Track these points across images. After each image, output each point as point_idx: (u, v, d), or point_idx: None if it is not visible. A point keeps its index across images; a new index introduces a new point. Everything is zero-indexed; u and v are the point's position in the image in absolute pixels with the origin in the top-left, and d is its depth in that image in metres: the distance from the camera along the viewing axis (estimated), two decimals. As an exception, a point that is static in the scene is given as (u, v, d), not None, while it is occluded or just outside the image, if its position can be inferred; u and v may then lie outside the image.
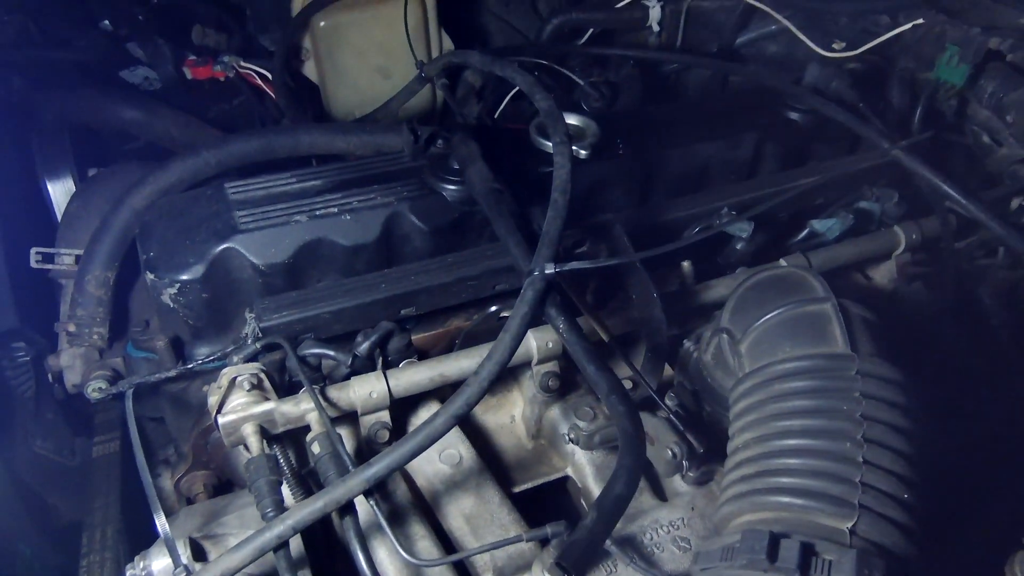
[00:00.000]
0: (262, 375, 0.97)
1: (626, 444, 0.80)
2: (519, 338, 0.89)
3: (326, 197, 1.18)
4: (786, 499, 0.73)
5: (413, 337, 1.20)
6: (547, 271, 0.92)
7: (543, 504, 1.21)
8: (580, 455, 1.10)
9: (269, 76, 1.83)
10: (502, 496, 1.05)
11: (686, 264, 1.22)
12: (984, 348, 0.85)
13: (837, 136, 1.52)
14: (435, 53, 1.96)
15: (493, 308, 1.12)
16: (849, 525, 0.71)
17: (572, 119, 1.33)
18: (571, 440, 1.08)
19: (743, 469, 0.79)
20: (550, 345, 1.08)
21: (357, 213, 1.16)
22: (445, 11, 1.97)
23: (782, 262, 1.25)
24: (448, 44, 2.00)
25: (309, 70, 1.96)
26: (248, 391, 0.96)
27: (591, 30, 1.95)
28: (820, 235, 1.36)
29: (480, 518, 1.02)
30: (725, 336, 0.94)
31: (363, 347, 1.05)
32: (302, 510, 0.82)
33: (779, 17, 1.74)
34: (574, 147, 1.26)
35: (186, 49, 1.92)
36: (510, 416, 1.22)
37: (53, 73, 1.72)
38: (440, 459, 1.07)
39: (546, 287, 0.92)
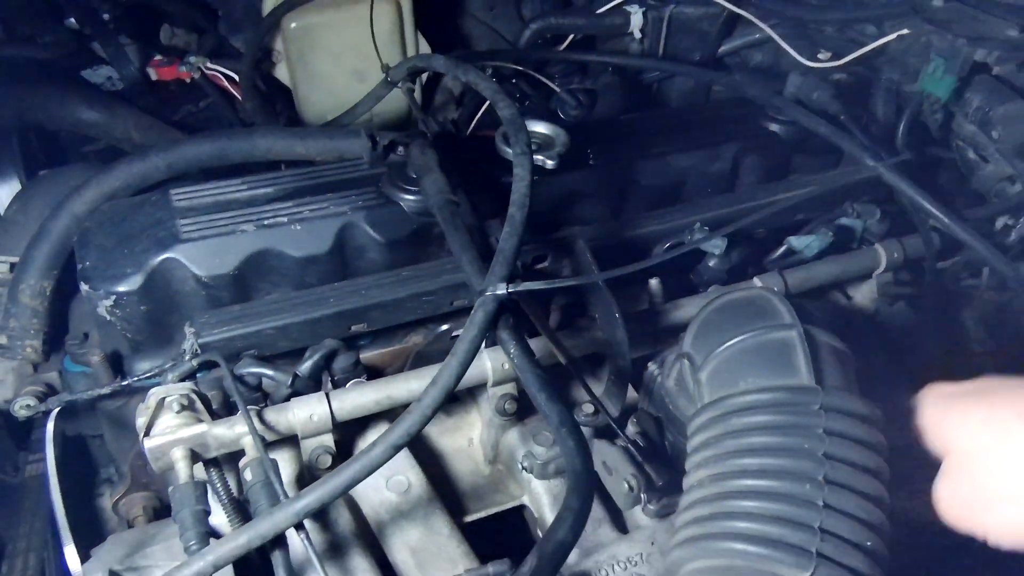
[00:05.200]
0: (193, 395, 0.91)
1: (573, 484, 0.73)
2: (466, 364, 0.83)
3: (276, 205, 1.12)
4: (740, 546, 0.68)
5: (368, 355, 1.14)
6: (499, 291, 0.86)
7: (503, 531, 1.15)
8: (536, 483, 1.04)
9: (237, 78, 1.77)
10: (452, 527, 0.99)
11: (654, 282, 1.17)
12: (966, 374, 0.80)
13: (821, 149, 1.46)
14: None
15: (444, 327, 1.06)
16: (807, 575, 0.65)
17: (541, 127, 1.28)
18: (525, 468, 1.02)
19: (696, 510, 0.73)
20: (506, 366, 1.02)
21: (308, 223, 1.10)
22: (427, 15, 1.91)
23: (756, 281, 1.20)
24: (425, 48, 1.94)
25: (281, 73, 1.90)
26: (178, 412, 0.89)
27: (572, 36, 1.89)
28: (798, 252, 1.30)
29: (427, 551, 0.96)
30: (686, 362, 0.88)
31: (305, 366, 0.99)
32: (224, 545, 0.76)
33: (763, 26, 1.69)
34: (540, 157, 1.20)
35: (155, 50, 1.86)
36: (468, 439, 1.16)
37: (13, 71, 1.67)
38: (387, 487, 1.01)
39: (498, 308, 0.87)
